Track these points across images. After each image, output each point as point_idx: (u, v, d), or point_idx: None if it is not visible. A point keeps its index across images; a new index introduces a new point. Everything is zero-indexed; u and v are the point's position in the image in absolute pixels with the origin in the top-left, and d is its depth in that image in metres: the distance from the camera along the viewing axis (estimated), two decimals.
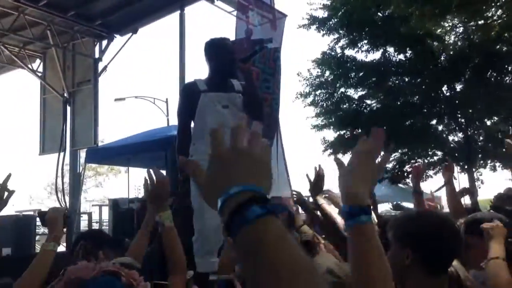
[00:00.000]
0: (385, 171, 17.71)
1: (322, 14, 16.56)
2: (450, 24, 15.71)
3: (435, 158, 17.47)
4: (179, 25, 7.97)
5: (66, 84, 9.66)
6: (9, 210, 2.22)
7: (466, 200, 6.87)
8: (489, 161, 16.97)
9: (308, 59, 17.64)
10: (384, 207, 18.10)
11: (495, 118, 16.69)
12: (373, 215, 2.94)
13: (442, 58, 16.36)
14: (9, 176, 2.31)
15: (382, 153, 1.28)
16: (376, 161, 1.25)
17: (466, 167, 16.28)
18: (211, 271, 3.37)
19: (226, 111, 3.52)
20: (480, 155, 16.84)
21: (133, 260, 1.96)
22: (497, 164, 16.82)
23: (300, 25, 16.58)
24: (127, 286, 1.30)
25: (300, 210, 3.42)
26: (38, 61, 10.43)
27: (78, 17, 8.84)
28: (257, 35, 6.53)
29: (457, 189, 3.35)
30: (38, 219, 4.17)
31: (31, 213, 9.54)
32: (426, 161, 17.49)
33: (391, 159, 17.92)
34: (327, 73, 17.20)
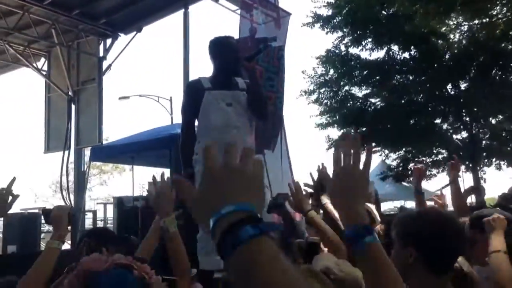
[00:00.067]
0: (390, 169, 17.71)
1: (326, 12, 16.56)
2: (455, 22, 15.65)
3: (440, 156, 17.43)
4: (183, 24, 7.97)
5: (70, 83, 9.70)
6: (14, 208, 2.25)
7: (472, 199, 6.84)
8: (493, 160, 16.91)
9: (312, 55, 17.53)
10: (388, 206, 18.07)
11: (500, 116, 16.62)
12: (376, 214, 2.94)
13: (446, 57, 16.30)
14: (13, 180, 2.31)
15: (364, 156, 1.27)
16: (360, 168, 1.25)
17: (470, 165, 16.23)
18: (216, 269, 3.39)
19: (230, 109, 3.53)
20: (484, 154, 16.78)
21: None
22: (502, 162, 16.77)
23: (304, 23, 16.56)
24: (139, 279, 1.30)
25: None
26: (42, 59, 10.48)
27: (83, 16, 8.87)
28: (261, 34, 6.53)
29: (461, 188, 3.33)
30: (42, 216, 4.19)
31: (36, 211, 9.56)
32: (430, 159, 17.47)
33: (395, 157, 17.91)
34: (332, 71, 17.18)
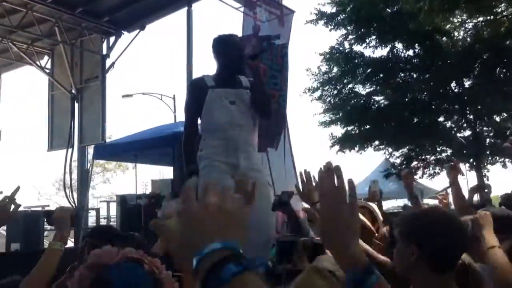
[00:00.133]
0: (393, 167, 17.68)
1: (330, 9, 16.54)
2: (459, 19, 15.60)
3: (443, 155, 17.40)
4: (186, 22, 7.98)
5: (74, 81, 9.71)
6: (17, 201, 2.25)
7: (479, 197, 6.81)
8: (497, 158, 16.85)
9: (316, 52, 17.47)
10: (391, 204, 18.05)
11: (504, 114, 16.57)
12: (378, 213, 2.93)
13: (450, 54, 16.25)
14: (17, 189, 2.30)
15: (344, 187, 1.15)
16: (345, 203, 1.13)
17: (474, 164, 16.19)
18: None
19: (233, 107, 3.52)
20: (488, 152, 16.73)
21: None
22: (507, 160, 16.71)
23: (307, 21, 16.54)
24: (150, 274, 1.30)
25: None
26: (46, 57, 10.50)
27: (86, 14, 8.88)
28: (265, 32, 6.52)
29: (463, 188, 3.33)
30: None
31: (40, 209, 9.59)
32: (434, 158, 17.44)
33: (398, 155, 17.88)
34: (335, 69, 17.15)
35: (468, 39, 16.01)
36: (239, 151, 3.45)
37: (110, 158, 13.04)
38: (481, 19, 14.54)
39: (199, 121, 3.67)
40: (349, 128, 17.39)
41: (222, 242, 0.74)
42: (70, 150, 9.37)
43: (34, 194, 24.68)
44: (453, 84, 16.73)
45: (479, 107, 16.34)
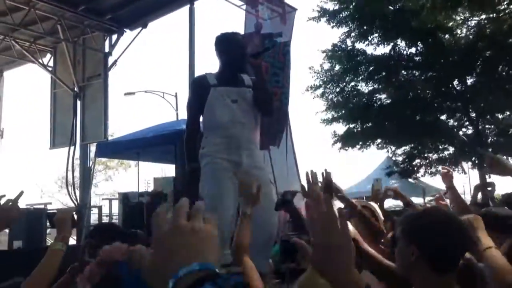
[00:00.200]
0: (395, 165, 17.66)
1: (332, 6, 16.50)
2: (462, 17, 15.55)
3: (446, 153, 17.37)
4: (188, 19, 7.97)
5: (76, 79, 9.72)
6: (20, 203, 2.24)
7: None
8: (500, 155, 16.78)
9: (318, 49, 17.45)
10: (393, 202, 17.99)
11: (507, 112, 16.52)
12: (380, 213, 2.93)
13: (453, 52, 16.20)
14: (21, 194, 2.30)
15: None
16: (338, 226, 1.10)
17: (477, 162, 16.15)
18: (223, 264, 3.38)
19: (235, 105, 3.52)
20: (491, 150, 16.68)
21: None
22: (510, 158, 16.66)
23: (310, 18, 16.52)
24: None
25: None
26: (48, 55, 10.50)
27: (88, 12, 8.88)
28: (267, 29, 6.51)
29: (466, 186, 3.36)
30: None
31: (42, 206, 9.61)
32: (436, 156, 17.40)
33: (400, 153, 17.85)
34: (337, 67, 17.13)
35: (471, 37, 15.95)
36: (241, 149, 3.45)
37: (112, 156, 13.04)
38: (483, 16, 14.49)
39: (201, 119, 3.68)
40: (351, 126, 17.38)
41: (199, 264, 0.74)
42: (72, 148, 9.37)
43: (36, 192, 24.75)
44: (455, 82, 16.69)
45: (481, 105, 16.28)
